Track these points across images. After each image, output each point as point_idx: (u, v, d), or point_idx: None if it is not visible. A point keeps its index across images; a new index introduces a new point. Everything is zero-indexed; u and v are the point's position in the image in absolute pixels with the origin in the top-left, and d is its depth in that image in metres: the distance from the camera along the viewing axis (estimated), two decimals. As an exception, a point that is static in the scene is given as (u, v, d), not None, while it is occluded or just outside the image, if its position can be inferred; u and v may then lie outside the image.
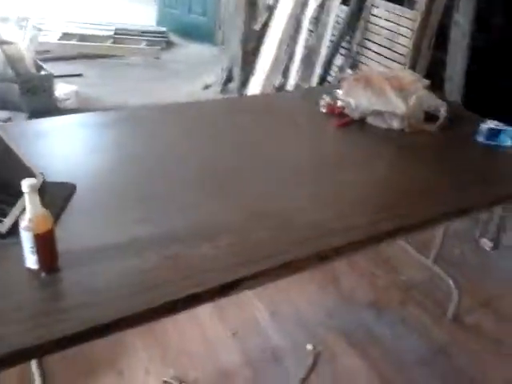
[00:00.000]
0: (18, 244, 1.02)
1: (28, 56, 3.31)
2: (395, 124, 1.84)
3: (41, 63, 3.47)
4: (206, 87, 4.39)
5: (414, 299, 2.23)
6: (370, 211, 1.33)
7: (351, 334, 2.01)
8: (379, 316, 2.12)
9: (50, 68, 3.49)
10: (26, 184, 0.89)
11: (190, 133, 1.69)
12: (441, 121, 1.86)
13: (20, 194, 1.12)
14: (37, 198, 0.91)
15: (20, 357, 0.86)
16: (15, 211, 1.09)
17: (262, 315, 2.07)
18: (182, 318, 1.98)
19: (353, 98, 1.91)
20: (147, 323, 0.95)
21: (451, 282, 2.14)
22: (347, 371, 1.85)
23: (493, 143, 1.76)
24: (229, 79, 4.38)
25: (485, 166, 1.67)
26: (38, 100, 3.16)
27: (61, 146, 1.54)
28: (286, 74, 4.01)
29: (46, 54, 4.29)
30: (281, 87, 3.89)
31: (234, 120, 1.83)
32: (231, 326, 2.00)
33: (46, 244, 0.94)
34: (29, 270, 0.96)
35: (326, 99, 1.94)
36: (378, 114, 1.87)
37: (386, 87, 1.92)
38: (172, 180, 1.38)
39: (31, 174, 1.21)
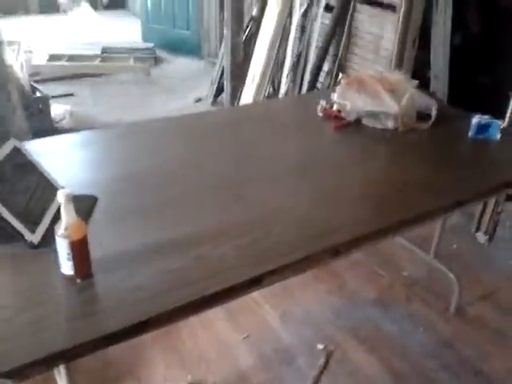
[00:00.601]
0: (49, 253, 1.07)
1: (23, 79, 3.35)
2: (389, 124, 1.92)
3: (35, 85, 3.51)
4: (198, 100, 4.46)
5: (418, 295, 2.29)
6: (374, 207, 1.40)
7: (360, 332, 2.07)
8: (385, 313, 2.18)
9: (41, 90, 3.53)
10: (62, 194, 0.94)
11: (192, 143, 1.75)
12: (433, 119, 1.95)
13: (46, 205, 1.18)
14: (71, 207, 0.96)
15: (56, 359, 0.90)
16: (45, 222, 1.14)
17: (271, 318, 2.12)
18: (196, 324, 2.03)
19: (348, 100, 1.98)
20: (178, 321, 1.00)
21: (452, 276, 2.21)
22: (359, 368, 1.90)
23: (482, 137, 1.84)
24: (219, 91, 4.45)
25: (477, 159, 1.75)
26: (35, 121, 3.19)
27: (71, 163, 1.58)
28: (275, 82, 4.10)
29: (35, 77, 4.33)
30: (272, 96, 3.97)
31: (235, 129, 1.90)
32: (243, 330, 2.05)
33: (81, 250, 0.98)
34: (64, 276, 1.01)
35: (322, 103, 2.02)
36: (373, 114, 1.94)
37: (378, 88, 1.99)
38: (185, 187, 1.44)
39: (55, 188, 1.26)
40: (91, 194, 1.32)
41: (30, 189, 1.18)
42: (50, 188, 1.24)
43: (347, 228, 1.29)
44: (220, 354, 1.93)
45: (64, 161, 1.58)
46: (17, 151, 1.23)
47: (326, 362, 1.91)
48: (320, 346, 1.98)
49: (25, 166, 1.22)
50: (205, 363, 1.88)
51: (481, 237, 2.73)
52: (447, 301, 2.23)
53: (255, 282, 1.09)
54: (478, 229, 2.77)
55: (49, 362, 0.87)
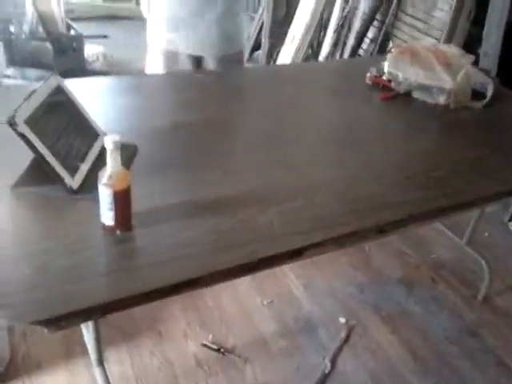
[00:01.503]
0: (88, 200, 1.03)
1: (58, 15, 3.27)
2: (441, 99, 1.82)
3: (70, 23, 3.42)
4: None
5: (445, 278, 2.24)
6: (424, 186, 1.32)
7: (382, 310, 2.03)
8: (410, 293, 2.13)
9: (76, 28, 3.44)
10: (109, 140, 0.89)
11: (233, 99, 1.68)
12: (488, 98, 1.84)
13: (87, 150, 1.13)
14: (118, 155, 0.91)
15: (94, 312, 0.86)
16: (84, 167, 1.09)
17: (296, 287, 2.09)
18: (220, 288, 2.00)
19: (400, 70, 1.88)
20: (222, 283, 0.96)
21: (484, 263, 2.15)
22: (379, 345, 1.87)
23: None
24: (255, 48, 4.32)
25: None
26: (68, 60, 3.12)
27: (110, 108, 1.52)
28: (314, 45, 3.95)
29: (70, 14, 4.24)
30: (310, 58, 3.84)
31: (277, 88, 1.81)
32: (266, 296, 2.02)
33: (123, 201, 0.94)
34: (104, 226, 0.96)
35: (372, 71, 1.92)
36: (425, 88, 1.84)
37: (433, 61, 1.89)
38: (227, 145, 1.38)
39: (96, 133, 1.20)
40: (131, 142, 1.26)
41: (72, 131, 1.12)
42: (91, 132, 1.19)
43: (393, 207, 1.22)
44: (242, 317, 1.91)
45: (102, 105, 1.52)
46: (60, 90, 1.17)
47: (348, 336, 1.89)
48: (342, 320, 1.95)
49: (67, 107, 1.17)
50: (226, 325, 1.87)
51: (514, 226, 2.64)
52: (474, 288, 2.17)
53: (298, 253, 1.04)
54: (511, 219, 2.69)
55: (86, 315, 0.83)
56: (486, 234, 2.57)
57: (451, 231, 2.34)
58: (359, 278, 2.18)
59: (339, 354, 1.81)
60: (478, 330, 1.99)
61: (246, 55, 4.27)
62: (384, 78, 1.91)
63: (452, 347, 1.90)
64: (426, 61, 1.89)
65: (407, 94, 1.86)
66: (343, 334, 1.88)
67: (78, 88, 1.28)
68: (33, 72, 2.97)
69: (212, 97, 1.69)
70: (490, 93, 1.85)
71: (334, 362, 1.78)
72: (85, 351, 1.62)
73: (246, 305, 1.97)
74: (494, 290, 2.18)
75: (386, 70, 1.91)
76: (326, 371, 1.74)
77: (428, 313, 2.04)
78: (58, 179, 1.04)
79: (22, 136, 0.99)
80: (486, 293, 2.14)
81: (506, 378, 1.80)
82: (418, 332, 1.95)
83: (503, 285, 2.23)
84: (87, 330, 1.33)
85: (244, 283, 2.06)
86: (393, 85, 1.87)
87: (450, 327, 1.99)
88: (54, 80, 1.18)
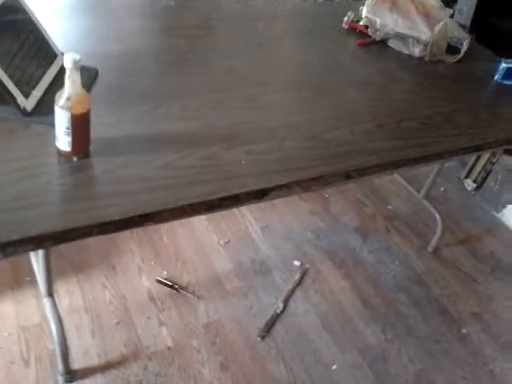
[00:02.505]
0: (43, 124, 0.96)
1: None
2: (417, 51, 1.78)
3: None
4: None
5: (398, 229, 2.29)
6: (394, 135, 1.31)
7: (336, 255, 2.07)
8: (364, 241, 2.18)
9: None
10: (69, 58, 0.81)
11: (202, 31, 1.59)
12: (462, 53, 1.82)
13: (44, 70, 1.04)
14: (78, 76, 0.83)
15: (45, 240, 0.81)
16: (39, 88, 1.01)
17: (253, 229, 2.09)
18: (177, 225, 1.98)
19: (378, 17, 1.82)
20: (179, 219, 0.93)
21: (438, 216, 2.20)
22: (331, 289, 1.92)
23: (509, 83, 1.74)
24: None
25: (501, 105, 1.66)
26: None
27: (69, 28, 1.41)
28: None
29: None
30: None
31: (249, 24, 1.73)
32: (223, 236, 2.01)
33: (82, 126, 0.87)
34: (59, 151, 0.90)
35: (349, 15, 1.85)
36: (401, 37, 1.80)
37: (412, 10, 1.84)
38: (195, 78, 1.31)
39: (54, 53, 1.11)
40: (91, 66, 1.17)
41: (28, 49, 1.03)
42: (48, 51, 1.09)
43: (362, 154, 1.20)
44: (197, 254, 1.90)
45: (60, 25, 1.40)
46: (15, 1, 1.06)
47: (301, 279, 1.92)
48: (296, 263, 1.98)
49: (23, 20, 1.06)
50: (181, 262, 1.86)
51: (469, 184, 2.71)
52: (426, 240, 2.24)
53: (262, 194, 1.01)
54: (467, 175, 2.75)
55: (37, 243, 0.78)
56: (442, 189, 2.62)
57: (409, 184, 2.38)
58: (317, 224, 2.20)
59: (292, 295, 1.85)
60: (425, 279, 2.07)
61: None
62: (361, 23, 1.85)
63: (400, 295, 1.97)
64: (405, 9, 1.84)
65: (383, 42, 1.81)
66: (297, 277, 1.91)
67: (34, 2, 1.16)
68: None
69: (180, 26, 1.59)
70: (465, 48, 1.83)
71: (286, 303, 1.81)
72: (34, 281, 1.58)
73: (202, 243, 1.96)
74: (444, 243, 2.25)
75: (363, 15, 1.85)
76: (278, 311, 1.77)
77: (380, 261, 2.10)
78: (11, 98, 0.95)
79: (-30, 46, 0.89)
80: (436, 245, 2.21)
81: (447, 325, 1.89)
82: (369, 279, 2.00)
83: (453, 238, 2.31)
84: (37, 260, 1.28)
85: (201, 222, 2.04)
86: (369, 31, 1.81)
87: (400, 276, 2.06)
88: (8, -13, 1.06)
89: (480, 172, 2.72)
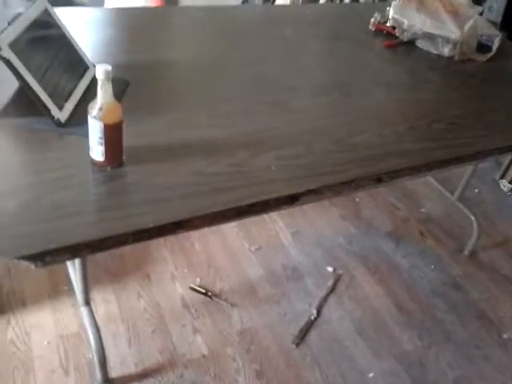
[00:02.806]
0: (77, 134, 0.98)
1: None
2: (446, 50, 1.76)
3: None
4: (228, -3, 4.16)
5: (433, 233, 2.25)
6: (426, 137, 1.29)
7: (370, 261, 2.04)
8: (398, 246, 2.14)
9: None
10: (101, 70, 0.83)
11: (231, 38, 1.61)
12: (493, 52, 1.78)
13: (76, 82, 1.07)
14: (110, 87, 0.85)
15: (82, 249, 0.83)
16: (73, 100, 1.03)
17: (284, 235, 2.08)
18: (208, 233, 1.99)
19: (405, 18, 1.80)
20: (210, 226, 0.93)
21: (473, 219, 2.15)
22: (365, 295, 1.89)
23: (544, 82, 1.70)
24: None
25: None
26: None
27: (99, 40, 1.44)
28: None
29: None
30: (308, 2, 3.69)
31: (276, 29, 1.74)
32: (254, 242, 2.01)
33: (115, 135, 0.89)
34: (93, 161, 0.92)
35: (376, 17, 1.84)
36: (430, 37, 1.78)
37: (440, 9, 1.82)
38: (224, 86, 1.32)
39: (86, 65, 1.14)
40: (122, 77, 1.19)
41: (61, 61, 1.06)
42: (80, 63, 1.12)
43: (393, 156, 1.18)
44: (230, 261, 1.91)
45: (91, 37, 1.44)
46: (47, 15, 1.09)
47: (334, 285, 1.90)
48: (329, 269, 1.96)
49: (55, 34, 1.09)
50: (214, 269, 1.86)
51: (505, 185, 2.64)
52: (461, 243, 2.19)
53: (293, 199, 1.01)
54: (503, 176, 2.68)
55: (74, 251, 0.80)
56: (477, 191, 2.57)
57: (442, 186, 2.34)
58: (348, 229, 2.18)
59: (325, 302, 1.83)
60: (462, 284, 2.02)
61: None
62: (388, 24, 1.84)
63: (436, 300, 1.93)
64: (433, 9, 1.82)
65: (411, 43, 1.80)
66: (330, 283, 1.89)
67: (65, 17, 1.20)
68: (17, 2, 2.80)
69: (207, 35, 1.61)
70: (496, 46, 1.79)
71: (319, 309, 1.79)
72: (71, 290, 1.62)
73: (234, 250, 1.96)
74: (481, 246, 2.20)
75: (390, 16, 1.83)
76: (312, 318, 1.75)
77: (415, 266, 2.06)
78: (45, 111, 0.98)
79: (6, 61, 0.92)
80: (472, 248, 2.15)
81: (487, 330, 1.84)
82: (404, 284, 1.97)
83: (490, 241, 2.25)
84: (74, 269, 1.31)
85: (232, 229, 2.05)
86: (397, 32, 1.80)
87: (436, 280, 2.01)
88: (42, 3, 1.10)
89: (517, 172, 2.66)
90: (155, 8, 1.82)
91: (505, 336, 1.83)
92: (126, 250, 1.84)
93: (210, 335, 1.64)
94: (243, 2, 4.11)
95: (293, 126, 1.20)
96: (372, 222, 2.25)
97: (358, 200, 2.35)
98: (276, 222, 2.13)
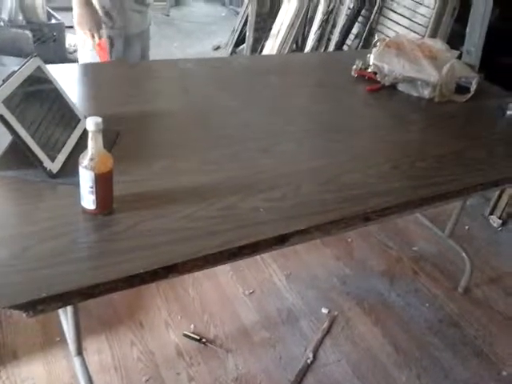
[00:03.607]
0: (68, 184, 1.01)
1: (38, 3, 3.19)
2: (426, 93, 1.82)
3: (52, 12, 3.35)
4: (217, 48, 4.32)
5: (426, 271, 2.25)
6: (410, 176, 1.33)
7: (365, 301, 2.04)
8: (392, 285, 2.14)
9: (57, 17, 3.37)
10: (91, 122, 0.86)
11: (218, 88, 1.67)
12: (472, 92, 1.85)
13: (68, 134, 1.10)
14: (100, 138, 0.88)
15: (73, 296, 0.84)
16: (64, 151, 1.06)
17: (277, 278, 2.08)
18: (200, 275, 1.99)
19: (385, 63, 1.88)
20: (202, 269, 0.94)
21: (465, 256, 2.17)
22: (361, 336, 1.88)
23: (522, 117, 1.75)
24: (239, 41, 4.29)
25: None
26: (49, 49, 3.06)
27: (90, 95, 1.50)
28: (299, 40, 3.94)
29: (51, 3, 4.14)
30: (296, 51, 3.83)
31: (263, 78, 1.80)
32: (248, 286, 2.01)
33: (105, 184, 0.92)
34: (84, 210, 0.94)
35: (357, 63, 1.92)
36: (410, 81, 1.85)
37: (418, 54, 1.90)
38: (212, 133, 1.36)
39: (77, 118, 1.18)
40: (112, 128, 1.23)
41: (53, 114, 1.09)
42: (72, 116, 1.16)
43: (379, 195, 1.21)
44: (223, 307, 1.90)
45: (82, 91, 1.49)
46: (40, 72, 1.14)
47: (330, 327, 1.89)
48: (324, 311, 1.95)
49: (48, 90, 1.14)
50: (207, 315, 1.85)
51: (494, 220, 2.67)
52: (455, 280, 2.20)
53: (282, 240, 1.03)
54: (492, 212, 2.72)
55: (65, 299, 0.81)
56: (467, 228, 2.59)
57: (433, 224, 2.36)
58: (342, 270, 2.19)
59: (321, 344, 1.81)
60: (458, 321, 2.01)
61: (230, 49, 4.25)
62: (369, 70, 1.91)
63: (433, 338, 1.92)
64: (412, 54, 1.90)
65: (393, 87, 1.87)
66: (325, 325, 1.88)
67: (57, 74, 1.25)
68: (12, 60, 2.89)
69: (194, 86, 1.67)
70: (474, 87, 1.86)
71: (315, 352, 1.78)
72: (63, 341, 1.60)
73: (227, 295, 1.96)
74: (475, 282, 2.21)
75: (371, 62, 1.91)
76: (308, 362, 1.74)
77: (410, 304, 2.06)
78: (38, 162, 1.01)
79: (0, 117, 0.95)
80: (466, 285, 2.16)
81: (486, 368, 1.82)
82: (399, 323, 1.96)
83: (483, 277, 2.26)
84: (66, 318, 1.30)
85: (225, 273, 2.05)
86: (378, 77, 1.87)
87: (431, 318, 2.01)
88: (35, 62, 1.15)
89: (504, 207, 2.69)
90: (144, 62, 1.89)
91: (504, 373, 1.81)
92: (119, 298, 1.83)
93: (206, 383, 1.61)
94: (231, 54, 4.26)
95: (280, 169, 1.23)
96: (365, 262, 2.26)
97: (350, 240, 2.37)
98: (270, 265, 2.13)
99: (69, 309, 1.26)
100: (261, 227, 1.01)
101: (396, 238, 2.44)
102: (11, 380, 1.53)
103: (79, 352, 1.37)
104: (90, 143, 0.88)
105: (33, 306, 0.77)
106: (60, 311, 1.49)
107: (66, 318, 1.33)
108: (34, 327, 1.69)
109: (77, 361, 1.36)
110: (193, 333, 1.76)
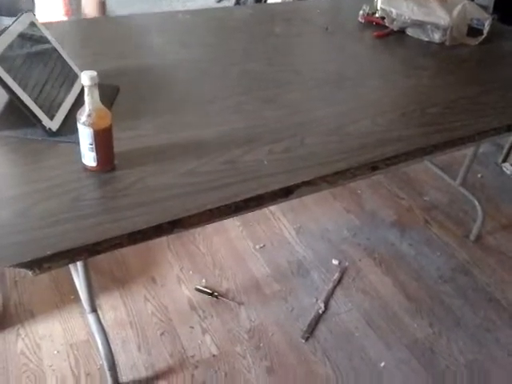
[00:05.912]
0: (69, 142, 0.99)
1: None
2: (436, 36, 1.75)
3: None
4: (220, 0, 4.18)
5: (437, 220, 2.24)
6: (420, 123, 1.29)
7: (375, 252, 2.03)
8: (403, 235, 2.14)
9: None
10: (86, 76, 0.84)
11: (221, 39, 1.63)
12: (484, 35, 1.78)
13: (66, 91, 1.08)
14: (97, 93, 0.86)
15: (79, 253, 0.83)
16: (63, 108, 1.04)
17: (288, 231, 2.08)
18: (210, 230, 2.00)
19: (393, 7, 1.81)
20: (208, 223, 0.94)
21: (477, 204, 2.14)
22: (372, 286, 1.89)
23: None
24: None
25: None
26: (47, 6, 2.97)
27: (89, 49, 1.46)
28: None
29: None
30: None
31: (267, 27, 1.75)
32: (258, 240, 2.02)
33: (105, 141, 0.90)
34: (86, 168, 0.93)
35: (364, 9, 1.84)
36: (419, 25, 1.78)
37: (427, -3, 1.82)
38: (214, 85, 1.33)
39: (74, 74, 1.15)
40: (112, 83, 1.20)
41: (49, 71, 1.07)
42: (69, 72, 1.13)
43: (388, 144, 1.18)
44: (235, 261, 1.91)
45: (80, 46, 1.46)
46: (34, 27, 1.10)
47: (340, 278, 1.90)
48: (335, 262, 1.96)
49: (42, 46, 1.10)
50: (219, 269, 1.87)
51: (508, 168, 2.63)
52: (467, 228, 2.18)
53: (287, 192, 1.01)
54: (505, 159, 2.67)
55: (71, 256, 0.80)
56: (479, 176, 2.55)
57: (444, 173, 2.33)
58: (352, 221, 2.18)
59: (332, 295, 1.83)
60: (470, 268, 2.01)
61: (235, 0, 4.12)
62: (377, 15, 1.84)
63: (445, 286, 1.92)
64: (421, -4, 1.82)
65: (401, 32, 1.80)
66: (336, 276, 1.89)
67: (52, 29, 1.21)
68: (10, 21, 2.83)
69: (197, 36, 1.62)
70: (486, 29, 1.78)
71: (327, 303, 1.79)
72: (78, 299, 1.63)
73: (238, 250, 1.96)
74: (486, 230, 2.19)
75: (378, 6, 1.84)
76: (320, 312, 1.75)
77: (421, 254, 2.05)
78: (36, 121, 0.99)
79: (-5, 75, 0.93)
80: (478, 233, 2.14)
81: (497, 313, 1.83)
82: (411, 273, 1.96)
83: (495, 224, 2.24)
84: (78, 277, 1.32)
85: (235, 228, 2.06)
86: (386, 22, 1.80)
87: (443, 267, 2.01)
88: (28, 17, 1.11)
89: (518, 154, 2.64)
90: (141, 15, 1.83)
91: (515, 318, 1.82)
92: (130, 255, 1.85)
93: (219, 335, 1.65)
94: (235, 4, 4.13)
95: (284, 120, 1.20)
96: (376, 213, 2.24)
97: (359, 192, 2.35)
98: (279, 219, 2.13)
99: (79, 267, 1.27)
100: (266, 180, 0.99)
101: (407, 188, 2.41)
102: (30, 337, 1.57)
103: (93, 309, 1.40)
104: (87, 99, 0.86)
105: (38, 264, 0.77)
106: (72, 270, 1.51)
107: (77, 275, 1.34)
108: (48, 286, 1.72)
109: (91, 317, 1.38)
110: (205, 287, 1.78)
